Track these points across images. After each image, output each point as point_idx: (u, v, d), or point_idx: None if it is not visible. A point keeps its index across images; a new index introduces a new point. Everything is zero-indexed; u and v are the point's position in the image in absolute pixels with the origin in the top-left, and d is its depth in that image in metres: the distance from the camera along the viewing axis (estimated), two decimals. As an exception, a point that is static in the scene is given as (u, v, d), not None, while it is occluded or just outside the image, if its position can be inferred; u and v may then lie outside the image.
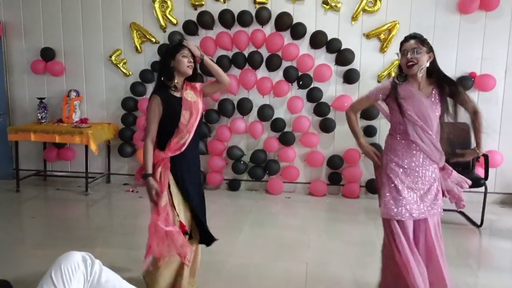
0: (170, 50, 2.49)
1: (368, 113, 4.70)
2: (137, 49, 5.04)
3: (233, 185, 5.10)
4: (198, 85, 2.59)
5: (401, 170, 2.40)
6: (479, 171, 4.33)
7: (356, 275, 3.05)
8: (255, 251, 3.48)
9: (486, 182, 4.09)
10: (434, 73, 2.40)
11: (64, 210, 4.53)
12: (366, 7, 4.69)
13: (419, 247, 2.41)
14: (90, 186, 4.94)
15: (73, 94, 5.14)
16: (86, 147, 4.76)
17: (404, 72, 2.39)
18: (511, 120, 4.73)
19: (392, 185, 2.40)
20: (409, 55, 2.32)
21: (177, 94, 2.49)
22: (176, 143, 2.43)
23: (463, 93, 2.42)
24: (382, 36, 4.74)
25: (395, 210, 2.35)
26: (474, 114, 2.48)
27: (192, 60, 2.48)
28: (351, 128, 2.63)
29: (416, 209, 2.38)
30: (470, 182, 2.56)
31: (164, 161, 2.42)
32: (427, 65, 2.36)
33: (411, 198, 2.38)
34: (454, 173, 2.55)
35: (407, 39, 2.39)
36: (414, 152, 2.40)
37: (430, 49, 2.38)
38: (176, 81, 2.47)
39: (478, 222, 4.09)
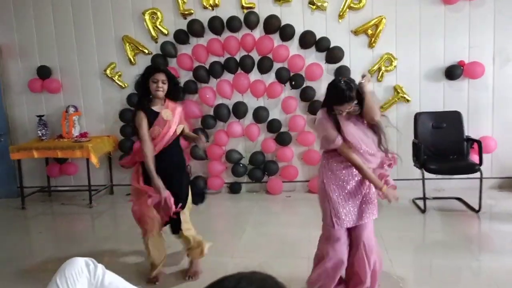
0: (145, 73, 2.89)
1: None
2: (131, 61, 5.13)
3: (234, 188, 5.18)
4: (179, 109, 2.97)
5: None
6: (474, 158, 4.40)
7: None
8: (258, 250, 3.55)
9: (482, 167, 4.15)
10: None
11: (70, 224, 4.60)
12: (352, 4, 4.78)
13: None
14: (94, 198, 5.01)
15: (72, 109, 5.22)
16: (88, 160, 4.84)
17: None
18: (503, 106, 4.80)
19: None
20: (344, 113, 2.47)
21: (156, 109, 2.90)
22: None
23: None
24: (369, 32, 4.81)
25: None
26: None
27: (161, 86, 2.84)
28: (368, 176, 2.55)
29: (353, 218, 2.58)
30: (393, 160, 2.67)
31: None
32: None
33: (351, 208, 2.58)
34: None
35: (342, 102, 2.42)
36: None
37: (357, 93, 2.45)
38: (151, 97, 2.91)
39: (477, 208, 4.15)
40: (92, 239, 4.06)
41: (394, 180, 4.97)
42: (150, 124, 2.85)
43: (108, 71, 5.16)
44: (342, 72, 4.77)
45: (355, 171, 2.54)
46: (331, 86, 2.49)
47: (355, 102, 2.44)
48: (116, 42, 5.15)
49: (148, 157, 2.77)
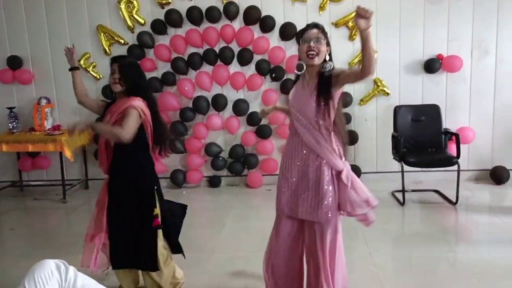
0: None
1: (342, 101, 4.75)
2: (106, 52, 4.97)
3: (214, 182, 5.11)
4: (128, 108, 2.39)
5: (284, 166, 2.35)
6: (452, 150, 4.44)
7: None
8: (239, 245, 3.51)
9: (459, 160, 4.20)
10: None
11: (44, 220, 4.46)
12: (332, -4, 4.75)
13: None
14: (68, 193, 4.87)
15: (44, 101, 5.04)
16: (61, 154, 4.69)
17: (302, 61, 2.24)
18: (480, 98, 4.86)
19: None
20: (311, 43, 2.16)
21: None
22: None
23: (343, 70, 2.23)
24: (350, 24, 4.79)
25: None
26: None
27: (116, 78, 2.43)
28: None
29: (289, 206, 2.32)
30: (375, 202, 2.23)
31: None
32: (327, 58, 2.21)
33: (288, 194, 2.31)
34: (352, 191, 2.21)
35: (309, 26, 2.23)
36: (294, 137, 2.30)
37: (328, 43, 2.23)
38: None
39: (454, 200, 4.20)
40: (66, 235, 3.93)
41: (373, 173, 5.02)
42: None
43: (82, 62, 4.98)
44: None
45: (302, 150, 2.24)
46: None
47: (324, 41, 2.17)
48: (91, 31, 4.99)
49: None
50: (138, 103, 2.40)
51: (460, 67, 4.73)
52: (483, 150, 4.93)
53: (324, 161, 2.21)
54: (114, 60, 2.49)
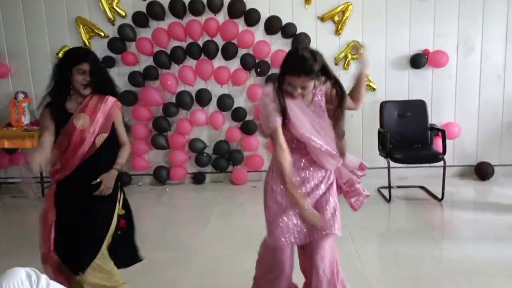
0: (67, 59, 2.25)
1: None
2: (85, 45, 4.80)
3: (198, 178, 5.01)
4: (108, 105, 2.25)
5: None
6: (438, 144, 4.43)
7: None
8: (223, 243, 3.44)
9: (445, 156, 4.19)
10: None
11: (22, 218, 4.31)
12: (318, -10, 4.67)
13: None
14: (47, 190, 4.71)
15: (21, 96, 4.87)
16: (39, 150, 4.53)
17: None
18: (465, 93, 4.85)
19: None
20: (297, 92, 1.95)
21: (71, 108, 2.26)
22: None
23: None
24: (336, 18, 4.73)
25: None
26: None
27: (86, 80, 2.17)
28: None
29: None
30: (366, 166, 2.19)
31: None
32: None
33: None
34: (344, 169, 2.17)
35: (299, 71, 1.89)
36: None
37: (323, 71, 1.95)
38: None
39: (439, 196, 4.19)
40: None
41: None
42: (57, 131, 2.16)
43: (60, 55, 4.82)
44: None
45: (305, 170, 2.05)
46: (290, 52, 2.02)
47: (317, 80, 1.94)
48: (70, 23, 4.82)
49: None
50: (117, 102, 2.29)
51: (446, 63, 4.72)
52: (467, 147, 4.94)
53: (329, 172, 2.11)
54: (83, 57, 2.15)
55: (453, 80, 4.84)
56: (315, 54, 1.92)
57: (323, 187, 2.08)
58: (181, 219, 4.24)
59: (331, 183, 2.12)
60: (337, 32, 4.76)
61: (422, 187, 4.54)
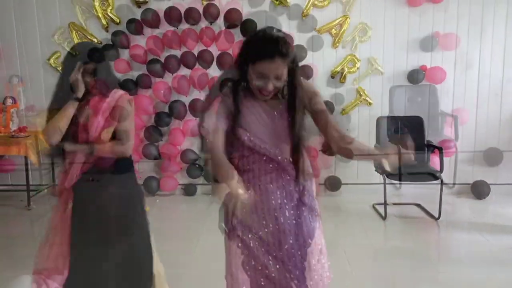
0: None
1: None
2: (78, 51, 4.72)
3: (189, 190, 4.90)
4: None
5: None
6: (435, 162, 4.36)
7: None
8: (215, 259, 3.26)
9: (442, 174, 4.12)
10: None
11: (6, 228, 4.17)
12: (316, 2, 4.61)
13: None
14: (33, 199, 4.57)
15: (9, 101, 4.75)
16: (26, 157, 4.41)
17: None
18: (462, 110, 4.78)
19: None
20: (269, 85, 1.59)
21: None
22: None
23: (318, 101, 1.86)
24: (333, 31, 4.67)
25: None
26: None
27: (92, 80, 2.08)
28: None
29: None
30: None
31: None
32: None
33: None
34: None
35: (268, 55, 1.54)
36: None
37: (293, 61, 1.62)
38: None
39: (436, 215, 4.11)
40: (30, 245, 3.61)
41: (354, 184, 4.89)
42: None
43: (52, 61, 4.74)
44: (305, 72, 4.60)
45: (274, 189, 1.69)
46: (254, 34, 1.63)
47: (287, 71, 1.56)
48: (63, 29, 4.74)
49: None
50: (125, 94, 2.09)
51: (444, 79, 4.67)
52: (464, 165, 4.87)
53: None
54: (91, 56, 2.03)
55: (450, 97, 4.79)
56: (287, 35, 1.60)
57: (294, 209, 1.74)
58: (171, 233, 4.09)
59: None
60: (334, 45, 4.70)
61: (418, 205, 4.46)
